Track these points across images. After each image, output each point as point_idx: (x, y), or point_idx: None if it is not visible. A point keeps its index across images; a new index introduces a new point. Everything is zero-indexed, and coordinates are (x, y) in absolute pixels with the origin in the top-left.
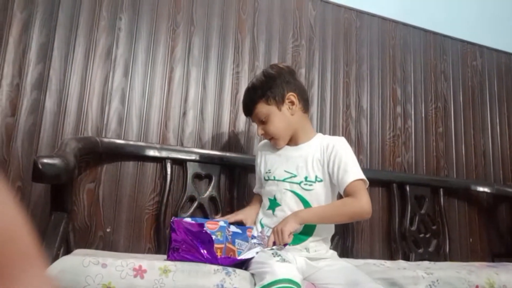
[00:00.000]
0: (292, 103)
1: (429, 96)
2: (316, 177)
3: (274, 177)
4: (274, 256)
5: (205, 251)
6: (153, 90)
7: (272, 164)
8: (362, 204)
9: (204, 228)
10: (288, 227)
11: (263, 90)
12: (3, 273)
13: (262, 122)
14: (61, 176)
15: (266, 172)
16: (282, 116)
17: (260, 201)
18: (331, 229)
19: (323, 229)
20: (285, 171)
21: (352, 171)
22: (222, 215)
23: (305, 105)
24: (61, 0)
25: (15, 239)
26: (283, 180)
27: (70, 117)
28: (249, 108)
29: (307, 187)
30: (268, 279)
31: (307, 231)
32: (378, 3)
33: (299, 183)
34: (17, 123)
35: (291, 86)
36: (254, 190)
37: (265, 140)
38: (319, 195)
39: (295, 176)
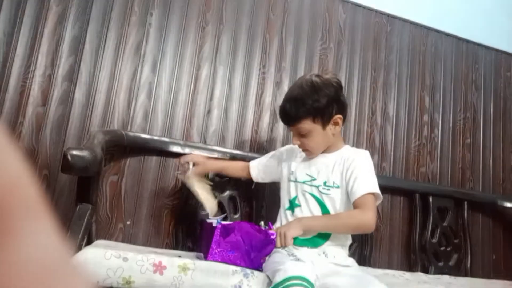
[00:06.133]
0: (337, 124)
1: (458, 106)
2: (333, 182)
3: (296, 179)
4: (289, 256)
5: (252, 256)
6: (179, 87)
7: (296, 167)
8: (367, 218)
9: (272, 237)
10: (292, 232)
11: (312, 108)
12: (2, 226)
13: (301, 135)
14: (89, 168)
15: (290, 174)
16: (324, 135)
17: (243, 168)
18: (347, 236)
19: (340, 234)
20: (307, 174)
21: (365, 183)
22: (241, 215)
23: (344, 122)
24: None
25: (16, 189)
26: (303, 182)
27: (98, 110)
28: (291, 120)
29: (325, 191)
30: (280, 277)
31: (324, 234)
32: (410, 8)
33: (318, 187)
34: (47, 113)
35: (339, 106)
36: (250, 162)
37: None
38: (335, 200)
39: (314, 179)
